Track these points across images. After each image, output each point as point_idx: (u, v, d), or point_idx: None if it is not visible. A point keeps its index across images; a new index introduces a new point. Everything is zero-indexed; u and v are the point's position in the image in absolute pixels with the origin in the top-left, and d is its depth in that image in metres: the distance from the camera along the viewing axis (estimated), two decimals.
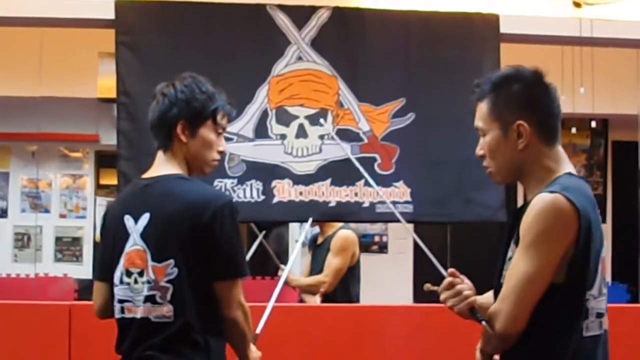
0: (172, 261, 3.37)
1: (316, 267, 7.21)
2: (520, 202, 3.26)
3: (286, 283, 6.65)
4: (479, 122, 3.05)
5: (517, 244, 2.91)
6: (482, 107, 3.04)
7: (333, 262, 6.96)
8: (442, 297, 3.06)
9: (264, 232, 6.89)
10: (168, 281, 3.37)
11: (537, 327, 2.87)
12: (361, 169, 3.78)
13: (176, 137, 3.51)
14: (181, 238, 3.36)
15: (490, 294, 3.25)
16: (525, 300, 2.85)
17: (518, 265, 2.87)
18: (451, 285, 3.03)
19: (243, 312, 3.48)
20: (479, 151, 3.08)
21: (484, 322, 3.00)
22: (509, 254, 2.97)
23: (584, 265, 2.88)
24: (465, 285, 3.03)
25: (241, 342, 3.56)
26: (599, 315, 2.94)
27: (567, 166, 3.01)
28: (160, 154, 3.57)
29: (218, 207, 3.38)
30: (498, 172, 3.06)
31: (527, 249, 2.84)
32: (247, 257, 5.62)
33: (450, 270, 3.07)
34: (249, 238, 10.89)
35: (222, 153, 3.67)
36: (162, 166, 3.54)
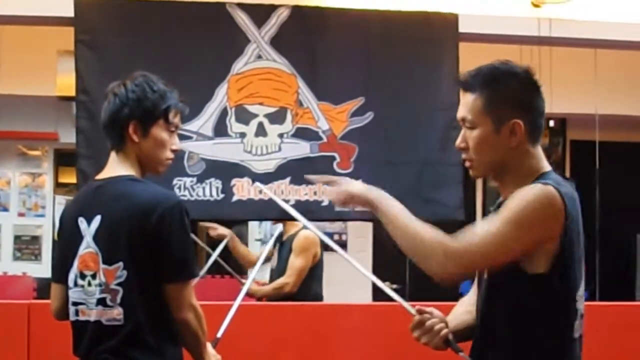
0: (121, 264, 3.35)
1: (280, 263, 7.21)
2: (479, 201, 3.27)
3: (250, 295, 6.67)
4: (468, 114, 2.97)
5: None
6: (473, 100, 2.97)
7: (295, 263, 6.94)
8: (415, 335, 3.05)
9: (230, 236, 6.85)
10: (118, 284, 3.35)
11: (527, 328, 2.87)
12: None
13: (128, 137, 3.47)
14: (130, 240, 3.34)
15: (457, 310, 3.25)
16: (485, 257, 2.83)
17: (494, 225, 2.83)
18: (421, 324, 3.02)
19: (195, 314, 3.44)
20: (461, 143, 3.02)
21: (461, 354, 2.99)
22: None
23: (571, 262, 2.88)
24: (435, 319, 3.02)
25: (195, 344, 3.51)
26: (581, 317, 2.95)
27: (547, 165, 3.02)
28: (113, 155, 3.53)
29: (166, 208, 3.35)
30: (479, 166, 3.01)
31: (507, 219, 2.79)
32: (212, 259, 5.66)
33: (418, 308, 3.06)
34: (208, 238, 10.91)
35: (176, 152, 3.62)
36: (115, 167, 3.51)
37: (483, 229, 2.85)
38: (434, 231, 2.87)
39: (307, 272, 6.89)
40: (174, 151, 3.60)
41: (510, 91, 2.95)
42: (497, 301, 2.94)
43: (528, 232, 2.80)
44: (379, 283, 3.43)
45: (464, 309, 3.24)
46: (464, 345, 3.07)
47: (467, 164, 3.05)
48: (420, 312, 3.05)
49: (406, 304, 3.13)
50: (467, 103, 2.99)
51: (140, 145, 3.48)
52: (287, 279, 6.98)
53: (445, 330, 3.01)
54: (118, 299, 3.35)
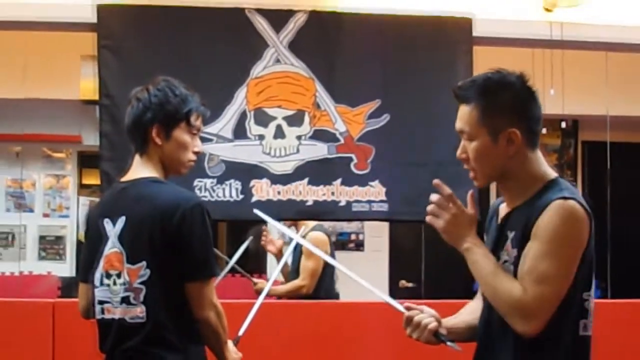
0: (144, 263, 3.37)
1: (293, 264, 7.21)
2: (492, 201, 3.25)
3: (269, 295, 6.69)
4: (465, 126, 2.96)
5: (518, 246, 2.88)
6: (469, 112, 2.95)
7: (307, 265, 6.95)
8: (407, 332, 3.07)
9: (251, 238, 6.89)
10: (141, 282, 3.37)
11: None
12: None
13: (151, 140, 3.50)
14: (152, 240, 3.36)
15: (461, 312, 3.26)
16: (555, 298, 2.81)
17: (543, 264, 2.80)
18: (410, 320, 3.05)
19: (216, 312, 3.46)
20: (462, 154, 3.01)
21: (449, 344, 3.00)
22: (504, 257, 2.94)
23: (589, 267, 2.89)
24: (423, 314, 3.05)
25: (216, 342, 3.53)
26: (591, 316, 2.95)
27: (549, 169, 3.01)
28: (137, 157, 3.56)
29: (187, 209, 3.37)
30: (482, 175, 3.00)
31: (552, 252, 2.79)
32: (234, 260, 5.68)
33: (406, 304, 3.09)
34: (229, 238, 10.93)
35: (198, 153, 3.65)
36: (138, 169, 3.54)
37: (539, 272, 2.81)
38: (513, 287, 2.84)
39: (320, 271, 6.89)
40: (196, 153, 3.63)
41: (505, 101, 2.94)
42: None
43: (573, 255, 2.83)
44: (362, 281, 3.44)
45: (468, 311, 3.25)
46: (465, 347, 3.08)
47: (471, 174, 3.04)
48: (408, 308, 3.07)
49: (394, 302, 3.15)
50: (463, 115, 2.98)
51: (163, 148, 3.51)
52: (303, 282, 7.00)
53: (433, 324, 3.02)
54: (141, 297, 3.37)
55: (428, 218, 3.03)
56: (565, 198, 2.82)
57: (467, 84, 2.99)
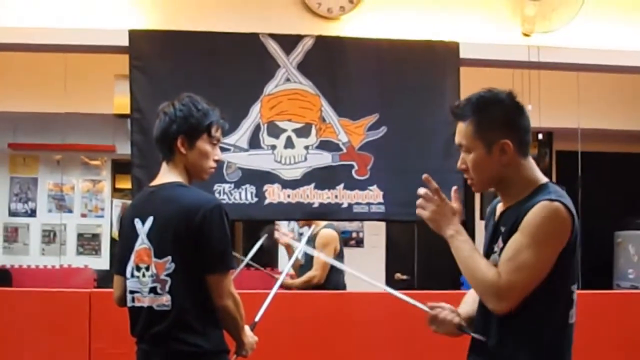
0: (169, 257, 3.40)
1: (306, 258, 7.23)
2: (477, 203, 3.25)
3: (284, 287, 6.70)
4: (462, 140, 2.98)
5: (504, 240, 2.88)
6: (465, 127, 2.97)
7: (320, 258, 6.96)
8: (432, 329, 3.08)
9: (265, 236, 6.88)
10: (167, 275, 3.40)
11: (532, 314, 2.85)
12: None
13: (177, 150, 3.53)
14: (177, 237, 3.38)
15: (467, 300, 3.24)
16: (527, 286, 2.82)
17: (523, 254, 2.82)
18: (435, 318, 3.05)
19: (233, 301, 3.47)
20: (461, 165, 3.02)
21: (475, 335, 3.00)
22: (496, 249, 2.94)
23: (572, 261, 2.88)
24: (446, 311, 3.06)
25: (234, 327, 3.54)
26: (575, 306, 2.95)
27: (541, 174, 3.01)
28: (164, 165, 3.59)
29: (208, 210, 3.39)
30: (479, 183, 3.01)
31: (532, 244, 2.80)
32: (249, 256, 5.67)
33: (430, 304, 3.09)
34: (244, 235, 10.92)
35: (218, 162, 3.66)
36: (166, 175, 3.56)
37: (517, 261, 2.82)
38: (488, 271, 2.85)
39: (329, 264, 6.89)
40: (216, 161, 3.64)
41: (497, 116, 2.95)
42: None
43: (551, 251, 2.83)
44: (393, 291, 3.41)
45: (472, 299, 3.22)
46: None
47: (469, 182, 3.04)
48: (432, 308, 3.07)
49: (419, 304, 3.13)
50: (460, 130, 2.99)
51: (187, 156, 3.53)
52: (314, 272, 7.03)
53: (457, 319, 3.04)
54: (167, 288, 3.39)
55: (417, 210, 3.05)
56: (551, 200, 2.83)
57: (463, 102, 3.01)
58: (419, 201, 3.04)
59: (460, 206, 3.02)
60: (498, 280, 2.82)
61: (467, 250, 2.92)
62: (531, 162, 2.99)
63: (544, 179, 2.99)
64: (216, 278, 3.42)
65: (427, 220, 3.04)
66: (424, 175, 3.05)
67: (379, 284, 3.42)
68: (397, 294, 3.28)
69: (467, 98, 3.02)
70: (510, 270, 2.82)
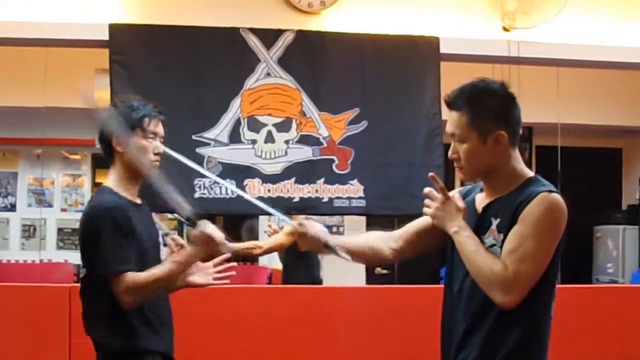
0: (82, 262, 3.50)
1: (286, 257, 7.24)
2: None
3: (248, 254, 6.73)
4: (456, 130, 2.93)
5: (505, 231, 2.86)
6: (459, 117, 2.92)
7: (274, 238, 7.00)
8: (300, 244, 3.15)
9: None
10: (82, 276, 3.54)
11: (524, 308, 2.85)
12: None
13: (114, 150, 3.52)
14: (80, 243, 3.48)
15: (362, 236, 3.33)
16: (532, 276, 2.81)
17: (526, 245, 2.81)
18: (304, 234, 3.16)
19: (130, 295, 3.36)
20: (453, 155, 2.98)
21: (342, 254, 3.11)
22: (489, 241, 2.91)
23: (559, 254, 2.88)
24: (315, 229, 3.15)
25: (157, 287, 3.42)
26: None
27: (526, 168, 3.01)
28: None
29: (85, 214, 3.46)
30: (470, 173, 2.99)
31: (535, 235, 2.79)
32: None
33: (298, 221, 3.25)
34: (224, 230, 10.89)
35: (158, 154, 3.59)
36: (106, 178, 3.58)
37: (521, 252, 2.81)
38: (495, 264, 2.83)
39: (280, 249, 6.88)
40: (157, 154, 3.58)
41: (491, 106, 2.92)
42: None
43: (552, 242, 2.83)
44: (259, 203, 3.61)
45: (367, 237, 3.31)
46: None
47: (459, 171, 3.03)
48: (300, 224, 3.16)
49: (286, 217, 3.21)
50: (454, 120, 2.95)
51: (125, 155, 3.51)
52: (260, 243, 7.08)
53: (325, 237, 3.13)
54: (84, 287, 3.54)
55: (424, 211, 3.05)
56: (550, 191, 2.83)
57: (456, 92, 2.97)
58: (425, 200, 3.03)
59: (464, 204, 3.00)
60: (505, 273, 2.80)
61: (473, 246, 2.90)
62: (518, 154, 3.00)
63: (530, 172, 2.99)
64: (107, 279, 3.38)
65: (431, 217, 3.03)
66: (430, 174, 3.04)
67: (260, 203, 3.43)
68: (261, 204, 3.46)
69: (460, 87, 2.99)
70: (515, 262, 2.81)
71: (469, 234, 2.93)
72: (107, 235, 3.37)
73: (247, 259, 8.56)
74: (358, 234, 3.31)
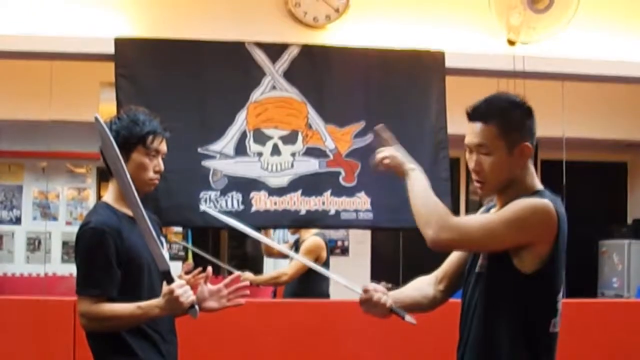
0: None
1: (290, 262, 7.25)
2: (462, 212, 3.26)
3: (251, 284, 6.71)
4: (484, 141, 2.95)
5: None
6: (487, 129, 2.94)
7: (297, 262, 6.96)
8: (363, 309, 3.10)
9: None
10: None
11: (516, 321, 2.85)
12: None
13: None
14: None
15: (408, 286, 3.29)
16: (472, 239, 2.84)
17: (489, 218, 2.89)
18: (369, 301, 3.06)
19: (86, 319, 3.38)
20: (476, 167, 3.00)
21: (407, 317, 3.04)
22: None
23: (558, 268, 2.87)
24: (378, 293, 3.07)
25: (116, 324, 3.37)
26: (559, 315, 2.94)
27: (539, 182, 3.01)
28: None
29: (78, 233, 3.43)
30: (492, 185, 3.00)
31: (502, 217, 2.83)
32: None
33: (364, 287, 3.10)
34: (229, 243, 10.90)
35: (159, 172, 3.56)
36: (106, 193, 3.56)
37: (483, 218, 2.86)
38: (441, 206, 2.87)
39: (306, 269, 6.85)
40: (157, 172, 3.54)
41: (518, 118, 2.96)
42: (487, 293, 2.93)
43: (516, 232, 2.81)
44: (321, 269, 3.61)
45: (415, 287, 3.28)
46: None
47: (478, 184, 3.03)
48: (365, 290, 3.09)
49: (352, 285, 3.16)
50: (480, 132, 2.96)
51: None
52: (285, 270, 7.05)
53: (389, 302, 3.06)
54: None
55: (378, 157, 3.21)
56: (541, 198, 2.84)
57: (482, 104, 2.99)
58: (377, 155, 3.18)
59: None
60: (449, 215, 2.85)
61: (425, 185, 2.99)
62: (532, 168, 3.01)
63: (540, 186, 3.00)
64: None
65: (388, 162, 3.15)
66: (377, 127, 3.21)
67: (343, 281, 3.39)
68: (336, 277, 3.32)
69: (484, 99, 3.01)
70: (470, 220, 2.89)
71: (424, 177, 3.04)
72: (87, 257, 3.38)
73: (252, 272, 8.53)
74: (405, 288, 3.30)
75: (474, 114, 2.99)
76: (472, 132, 2.99)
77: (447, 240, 2.83)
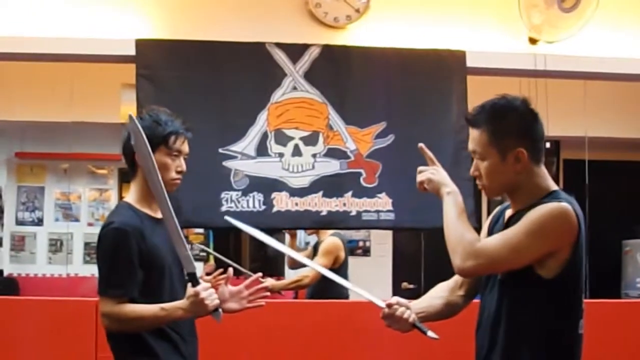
0: None
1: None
2: (484, 209, 3.26)
3: (272, 291, 6.73)
4: (476, 147, 2.97)
5: None
6: (480, 135, 2.95)
7: (318, 261, 6.95)
8: (386, 324, 3.09)
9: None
10: None
11: (543, 326, 2.84)
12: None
13: (137, 165, 3.43)
14: None
15: (429, 294, 3.31)
16: (500, 262, 2.83)
17: (511, 234, 2.84)
18: (391, 315, 3.07)
19: (108, 320, 3.38)
20: (474, 172, 3.01)
21: (429, 333, 3.03)
22: None
23: (580, 269, 2.86)
24: (402, 308, 3.07)
25: (139, 325, 3.37)
26: (583, 316, 2.93)
27: (552, 182, 3.00)
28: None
29: (99, 234, 3.41)
30: (492, 189, 3.01)
31: (524, 230, 2.80)
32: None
33: (387, 302, 3.10)
34: (251, 244, 10.90)
35: (181, 173, 3.54)
36: (128, 192, 3.54)
37: (504, 236, 2.84)
38: (469, 234, 2.86)
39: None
40: (179, 172, 3.52)
41: (511, 124, 2.93)
42: (510, 300, 2.91)
43: (540, 242, 2.79)
44: (347, 283, 3.64)
45: (436, 295, 3.28)
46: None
47: (481, 188, 3.04)
48: (388, 305, 3.08)
49: (375, 299, 3.15)
50: (474, 138, 2.97)
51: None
52: (307, 273, 7.04)
53: (412, 317, 3.05)
54: None
55: (418, 179, 3.17)
56: (559, 201, 2.82)
57: (477, 110, 2.99)
58: (419, 168, 3.17)
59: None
60: (473, 242, 2.84)
61: (458, 211, 2.97)
62: (543, 170, 2.99)
63: (554, 186, 2.98)
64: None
65: (425, 183, 3.13)
66: (419, 145, 3.18)
67: (356, 288, 3.37)
68: (359, 290, 3.27)
69: (480, 105, 3.00)
70: (490, 240, 2.86)
71: (459, 201, 3.00)
72: (109, 257, 3.36)
73: (273, 273, 8.54)
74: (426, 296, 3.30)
75: (469, 120, 3.01)
76: (470, 137, 3.02)
77: (473, 267, 2.83)
